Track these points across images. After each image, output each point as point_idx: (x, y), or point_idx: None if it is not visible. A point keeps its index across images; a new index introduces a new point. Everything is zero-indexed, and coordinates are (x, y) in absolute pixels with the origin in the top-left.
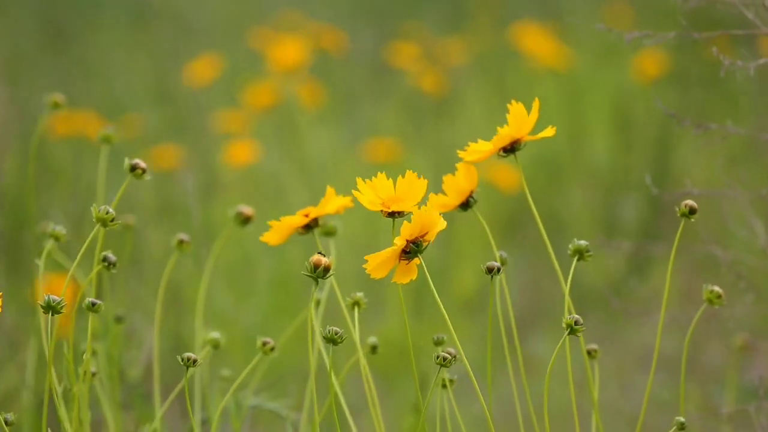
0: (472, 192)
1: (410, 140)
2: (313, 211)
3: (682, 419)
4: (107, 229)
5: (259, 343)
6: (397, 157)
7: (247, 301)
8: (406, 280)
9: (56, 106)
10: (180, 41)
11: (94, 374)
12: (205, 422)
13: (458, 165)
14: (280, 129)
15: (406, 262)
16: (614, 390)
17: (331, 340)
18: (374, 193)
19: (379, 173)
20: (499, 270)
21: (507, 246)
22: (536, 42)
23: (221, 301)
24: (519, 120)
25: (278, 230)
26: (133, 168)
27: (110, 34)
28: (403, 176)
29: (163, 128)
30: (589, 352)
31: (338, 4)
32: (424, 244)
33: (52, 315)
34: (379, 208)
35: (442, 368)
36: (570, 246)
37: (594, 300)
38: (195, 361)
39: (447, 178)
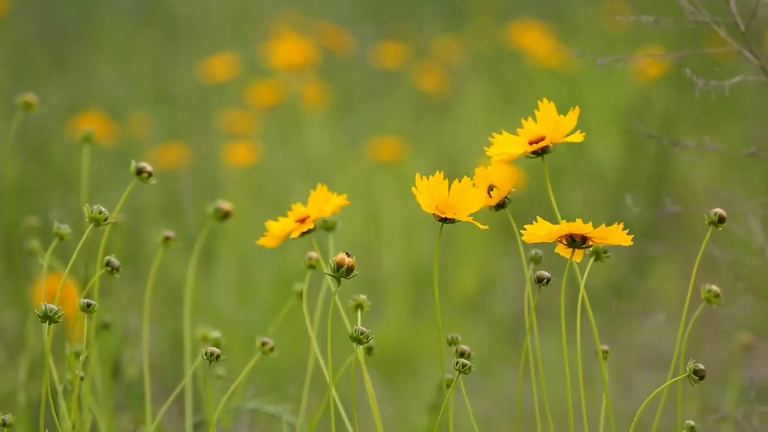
0: (509, 192)
1: (412, 139)
2: (311, 215)
3: (692, 423)
4: (100, 228)
5: (258, 343)
6: (399, 157)
7: (248, 301)
8: (568, 256)
9: (28, 106)
10: (180, 41)
11: (82, 377)
12: (202, 424)
13: (495, 164)
14: (282, 128)
15: (567, 248)
16: (614, 389)
17: (357, 340)
18: (429, 193)
19: (437, 173)
20: (548, 281)
21: (508, 246)
22: (535, 41)
23: (222, 301)
24: (549, 119)
25: (275, 235)
26: (140, 171)
27: (110, 34)
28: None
29: (165, 128)
30: (596, 353)
31: (338, 3)
32: (588, 244)
33: (49, 324)
34: (433, 211)
35: (453, 371)
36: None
37: (595, 299)
38: (218, 356)
39: (479, 172)
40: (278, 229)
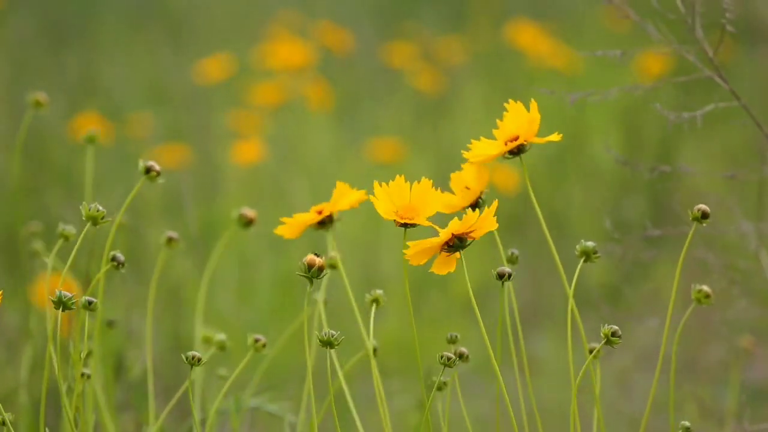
0: (482, 193)
1: (411, 140)
2: (327, 208)
3: (687, 423)
4: (97, 227)
5: (250, 340)
6: (398, 157)
7: (248, 301)
8: (444, 272)
9: (38, 104)
10: (181, 41)
11: (88, 375)
12: (203, 422)
13: (466, 165)
14: (282, 129)
15: (447, 254)
16: (614, 390)
17: (328, 343)
18: (389, 198)
19: (397, 176)
20: (509, 276)
21: (507, 246)
22: (536, 41)
23: (222, 301)
24: (520, 119)
25: (292, 226)
26: (148, 170)
27: (111, 34)
28: (414, 180)
29: (165, 128)
30: (591, 351)
31: (338, 3)
32: (469, 241)
33: (63, 311)
34: (393, 217)
35: (445, 368)
36: (577, 247)
37: (594, 299)
38: (199, 359)
39: (455, 177)
40: (298, 219)
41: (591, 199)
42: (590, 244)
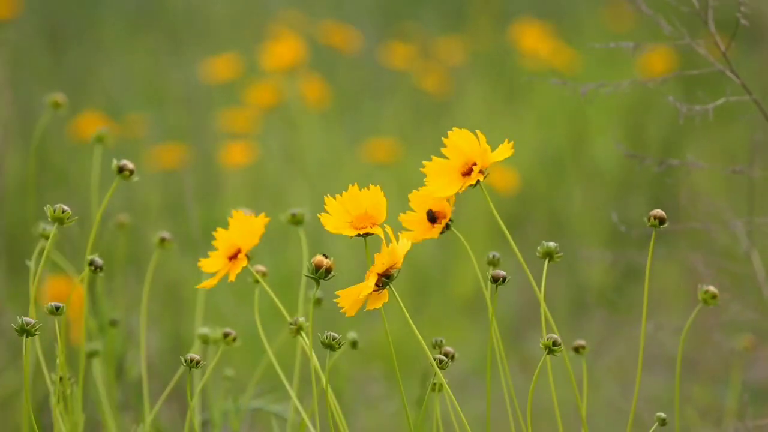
0: (450, 216)
1: (410, 140)
2: (243, 248)
3: (663, 415)
4: (64, 226)
5: (219, 334)
6: (397, 158)
7: (248, 301)
8: (379, 305)
9: (57, 105)
10: (181, 41)
11: (69, 378)
12: (206, 423)
13: (415, 194)
14: (282, 129)
15: (378, 292)
16: (615, 389)
17: (329, 346)
18: (344, 209)
19: (350, 186)
20: (504, 280)
21: (506, 246)
22: (537, 41)
23: (221, 300)
24: (473, 145)
25: (212, 279)
26: (121, 169)
27: (110, 34)
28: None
29: (165, 128)
30: (576, 349)
31: (339, 3)
32: (395, 273)
33: (27, 337)
34: (344, 230)
35: (439, 369)
36: (539, 248)
37: (595, 298)
38: (198, 362)
39: (415, 196)
40: (212, 268)
41: (591, 198)
42: (552, 244)
